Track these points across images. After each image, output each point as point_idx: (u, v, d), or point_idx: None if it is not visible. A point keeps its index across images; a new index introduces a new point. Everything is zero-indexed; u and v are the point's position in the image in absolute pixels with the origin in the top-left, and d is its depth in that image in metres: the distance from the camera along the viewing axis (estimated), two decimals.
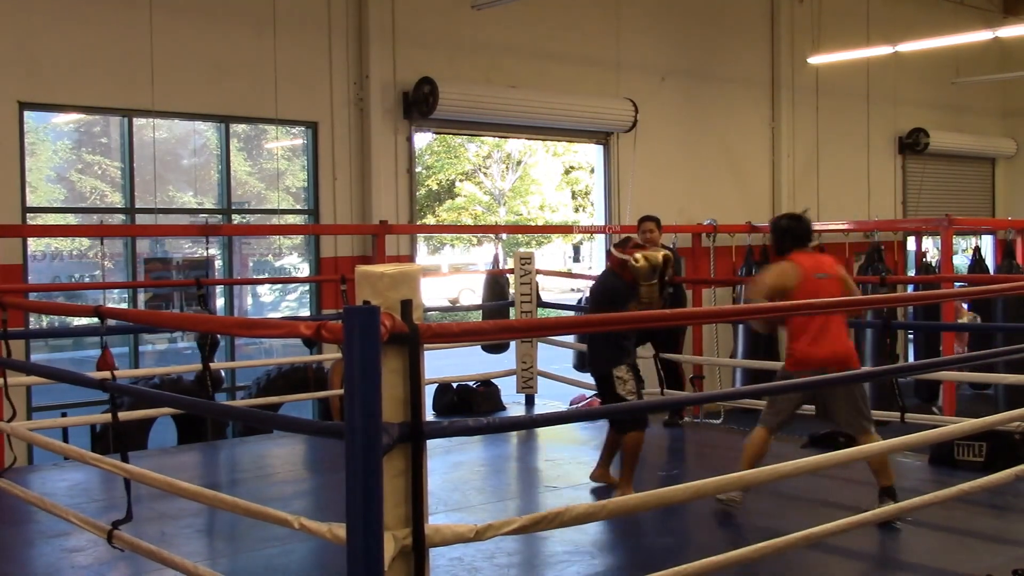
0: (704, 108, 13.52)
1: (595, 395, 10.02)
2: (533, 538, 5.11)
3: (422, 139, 21.83)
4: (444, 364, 9.94)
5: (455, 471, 6.83)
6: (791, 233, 5.59)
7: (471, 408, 8.86)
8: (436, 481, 6.05)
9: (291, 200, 10.59)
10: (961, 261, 15.90)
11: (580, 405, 10.94)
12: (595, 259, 13.92)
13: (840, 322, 5.51)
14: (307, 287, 10.77)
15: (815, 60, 13.92)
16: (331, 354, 8.56)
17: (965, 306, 12.32)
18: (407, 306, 2.77)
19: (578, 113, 11.86)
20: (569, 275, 21.06)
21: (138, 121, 9.30)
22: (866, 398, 5.43)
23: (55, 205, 9.80)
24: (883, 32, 14.19)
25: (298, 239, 10.83)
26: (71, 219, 9.67)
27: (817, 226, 12.75)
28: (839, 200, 14.78)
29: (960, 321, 11.99)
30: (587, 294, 11.87)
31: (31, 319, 8.69)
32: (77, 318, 8.97)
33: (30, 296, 8.08)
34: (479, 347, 8.84)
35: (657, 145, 12.80)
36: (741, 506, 5.35)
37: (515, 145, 27.60)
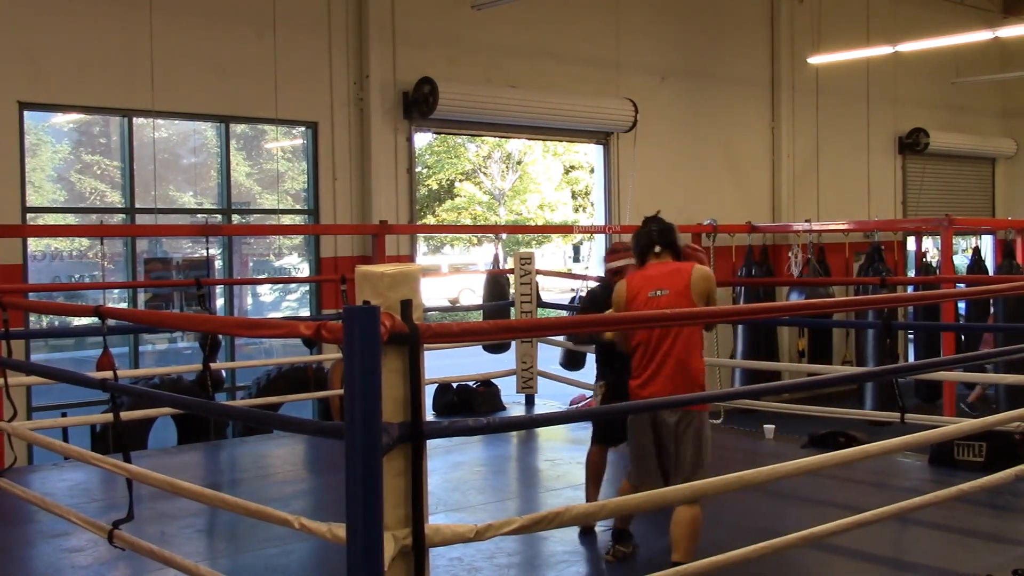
0: (704, 108, 13.51)
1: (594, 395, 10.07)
2: (533, 538, 5.11)
3: (422, 139, 21.85)
4: (444, 364, 9.95)
5: (455, 471, 6.83)
6: (635, 245, 4.92)
7: (471, 408, 8.86)
8: (436, 481, 6.06)
9: (291, 200, 10.59)
10: (961, 261, 15.91)
11: (580, 405, 10.94)
12: (595, 259, 13.90)
13: (682, 350, 4.55)
14: (307, 287, 10.77)
15: (815, 60, 13.91)
16: (331, 354, 8.56)
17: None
18: (407, 306, 2.77)
19: (578, 113, 11.86)
20: (569, 275, 21.05)
21: (138, 121, 9.30)
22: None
23: (55, 205, 9.80)
24: (883, 32, 14.19)
25: (298, 239, 10.83)
26: (71, 219, 9.66)
27: (817, 226, 12.85)
28: (839, 200, 14.79)
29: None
30: (581, 294, 11.91)
31: (31, 319, 8.69)
32: (77, 318, 8.97)
33: (30, 296, 8.09)
34: (479, 347, 8.85)
35: (657, 145, 12.80)
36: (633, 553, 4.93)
37: (515, 145, 27.59)
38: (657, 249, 4.79)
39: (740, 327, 12.66)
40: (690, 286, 4.57)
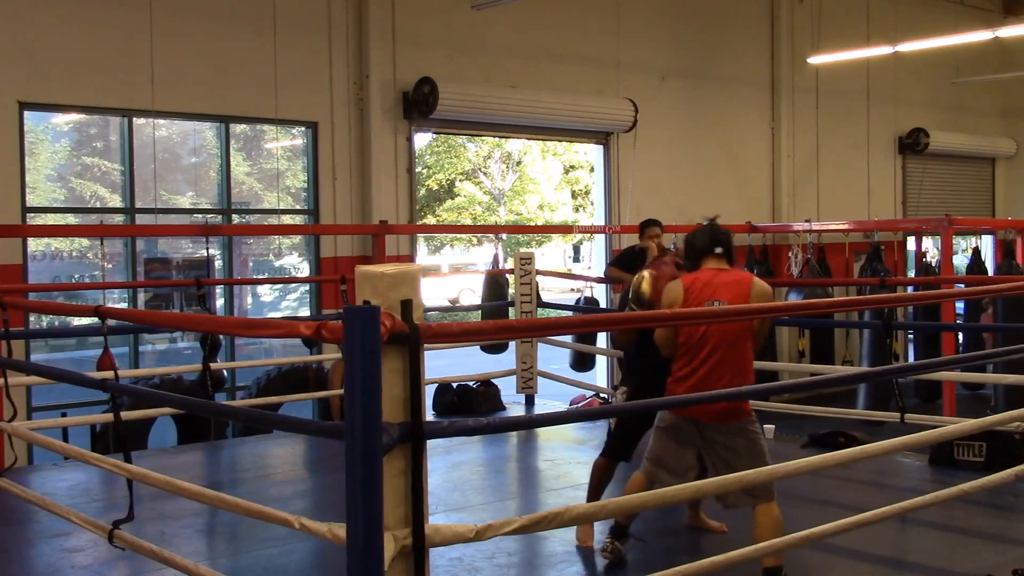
0: (704, 108, 13.52)
1: (595, 395, 10.08)
2: (533, 538, 5.11)
3: (422, 139, 21.83)
4: (444, 364, 9.94)
5: (455, 471, 6.83)
6: (689, 247, 4.76)
7: (471, 408, 8.86)
8: (436, 481, 6.05)
9: (291, 200, 10.60)
10: (961, 261, 15.91)
11: (580, 405, 10.94)
12: (595, 259, 13.91)
13: (737, 361, 4.45)
14: (307, 287, 10.77)
15: (815, 60, 13.92)
16: (331, 354, 8.56)
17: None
18: (407, 306, 2.77)
19: (578, 113, 11.86)
20: (569, 275, 21.06)
21: (138, 121, 9.30)
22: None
23: (55, 205, 9.80)
24: (883, 32, 14.20)
25: (298, 239, 10.83)
26: (71, 219, 9.66)
27: (817, 226, 12.84)
28: (839, 200, 14.79)
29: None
30: (587, 294, 11.92)
31: (31, 319, 8.69)
32: (77, 318, 8.97)
33: (30, 296, 8.09)
34: (479, 347, 8.85)
35: (657, 145, 12.80)
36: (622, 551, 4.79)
37: (515, 145, 27.59)
38: (718, 250, 4.61)
39: None
40: (750, 300, 4.45)
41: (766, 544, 3.86)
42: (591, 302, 11.06)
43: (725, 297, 4.44)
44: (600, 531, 4.94)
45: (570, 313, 10.69)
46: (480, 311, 10.54)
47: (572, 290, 19.77)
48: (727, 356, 4.43)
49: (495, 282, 10.07)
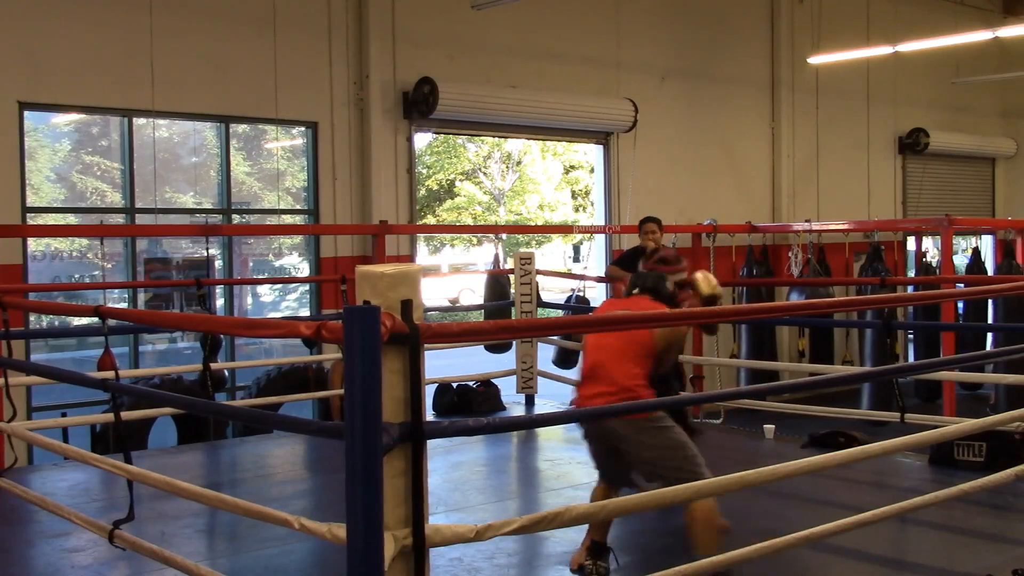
0: (704, 108, 13.51)
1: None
2: (533, 538, 5.11)
3: (422, 139, 21.84)
4: (444, 364, 9.94)
5: (455, 471, 6.83)
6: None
7: (471, 408, 8.86)
8: (436, 481, 6.05)
9: (291, 200, 10.60)
10: (961, 261, 15.91)
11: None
12: (595, 259, 13.91)
13: (616, 360, 4.50)
14: (307, 287, 10.77)
15: (815, 60, 13.92)
16: (331, 354, 8.56)
17: None
18: (407, 306, 2.77)
19: (578, 113, 11.86)
20: (569, 275, 21.06)
21: (138, 121, 9.31)
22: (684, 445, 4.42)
23: (55, 205, 9.80)
24: (883, 32, 14.20)
25: (298, 239, 10.84)
26: (71, 219, 9.66)
27: (817, 226, 12.85)
28: (839, 200, 14.79)
29: None
30: (580, 293, 11.88)
31: (31, 319, 8.69)
32: (77, 318, 8.97)
33: (30, 296, 8.09)
34: (479, 347, 8.84)
35: (657, 145, 12.80)
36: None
37: (515, 145, 27.59)
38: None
39: (743, 327, 12.65)
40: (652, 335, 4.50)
41: (765, 545, 3.85)
42: (582, 301, 11.03)
43: (633, 307, 4.68)
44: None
45: (570, 313, 10.70)
46: (480, 311, 10.53)
47: (572, 290, 19.75)
48: (606, 365, 4.53)
49: (497, 282, 10.06)
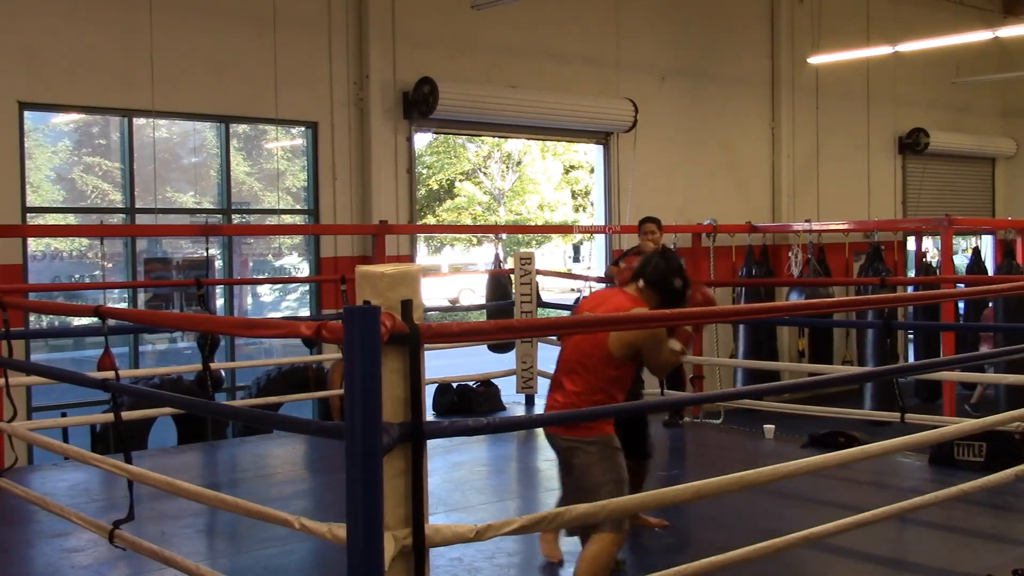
0: (704, 108, 13.52)
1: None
2: (533, 538, 5.10)
3: (422, 139, 21.83)
4: (444, 364, 9.94)
5: (455, 471, 6.83)
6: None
7: (471, 408, 8.86)
8: (436, 481, 6.05)
9: (291, 200, 10.60)
10: (961, 261, 15.91)
11: None
12: (595, 259, 13.91)
13: (573, 372, 4.20)
14: (307, 287, 10.77)
15: (815, 60, 13.92)
16: (331, 354, 8.56)
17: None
18: (407, 306, 2.77)
19: (578, 113, 11.86)
20: (569, 275, 21.05)
21: (138, 121, 9.30)
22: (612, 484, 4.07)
23: (55, 205, 9.80)
24: (883, 32, 14.20)
25: (298, 239, 10.83)
26: (71, 219, 9.67)
27: (817, 226, 12.86)
28: (839, 200, 14.79)
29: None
30: (584, 294, 11.89)
31: (31, 319, 8.69)
32: (77, 318, 8.97)
33: (30, 296, 8.08)
34: (480, 347, 8.84)
35: (657, 145, 12.80)
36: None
37: (515, 145, 27.58)
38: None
39: (742, 327, 12.65)
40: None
41: (765, 545, 3.84)
42: None
43: (600, 308, 4.32)
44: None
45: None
46: (481, 311, 10.52)
47: (572, 290, 19.76)
48: (573, 366, 4.23)
49: (498, 282, 10.07)
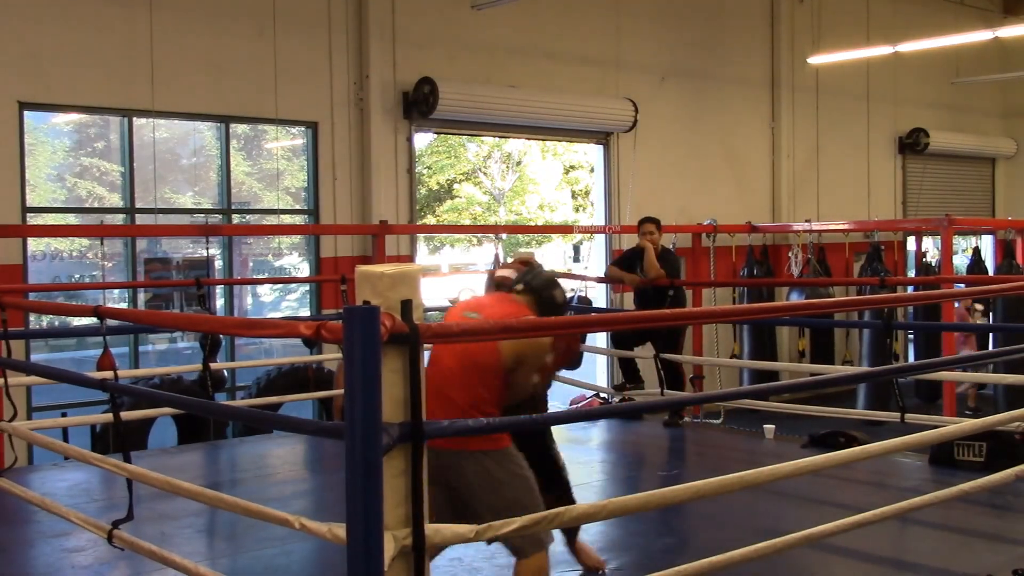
0: (704, 108, 13.52)
1: (595, 395, 10.07)
2: None
3: (422, 139, 21.81)
4: None
5: None
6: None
7: None
8: None
9: (291, 200, 10.59)
10: (961, 261, 15.91)
11: (580, 405, 10.93)
12: (595, 259, 13.91)
13: (455, 381, 3.69)
14: (307, 287, 10.77)
15: (815, 60, 13.92)
16: (331, 354, 8.56)
17: (979, 307, 12.27)
18: (407, 306, 2.77)
19: (578, 113, 11.86)
20: (569, 275, 21.04)
21: (138, 121, 9.30)
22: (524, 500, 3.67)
23: (55, 205, 9.80)
24: (883, 32, 14.19)
25: (298, 239, 10.83)
26: (71, 219, 9.67)
27: (817, 226, 12.86)
28: (839, 200, 14.79)
29: (973, 320, 11.98)
30: (582, 293, 11.88)
31: (31, 319, 8.69)
32: (77, 318, 8.97)
33: (30, 296, 8.08)
34: None
35: (657, 145, 12.80)
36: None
37: (515, 145, 27.58)
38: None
39: (743, 327, 12.65)
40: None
41: (765, 545, 3.84)
42: (584, 301, 11.02)
43: (486, 312, 3.92)
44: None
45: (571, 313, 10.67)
46: None
47: (571, 290, 19.73)
48: (446, 374, 3.72)
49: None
